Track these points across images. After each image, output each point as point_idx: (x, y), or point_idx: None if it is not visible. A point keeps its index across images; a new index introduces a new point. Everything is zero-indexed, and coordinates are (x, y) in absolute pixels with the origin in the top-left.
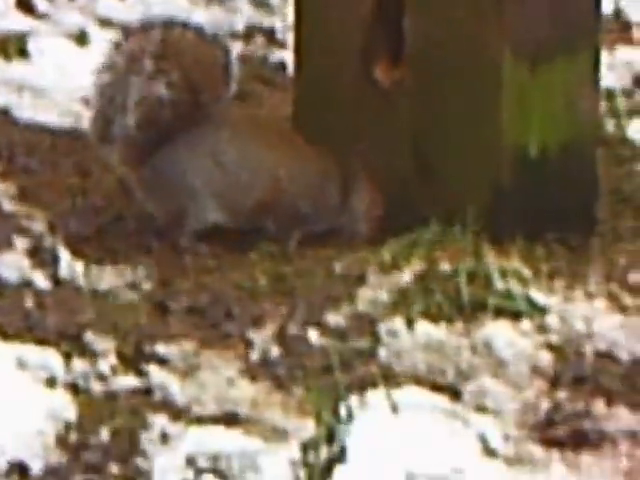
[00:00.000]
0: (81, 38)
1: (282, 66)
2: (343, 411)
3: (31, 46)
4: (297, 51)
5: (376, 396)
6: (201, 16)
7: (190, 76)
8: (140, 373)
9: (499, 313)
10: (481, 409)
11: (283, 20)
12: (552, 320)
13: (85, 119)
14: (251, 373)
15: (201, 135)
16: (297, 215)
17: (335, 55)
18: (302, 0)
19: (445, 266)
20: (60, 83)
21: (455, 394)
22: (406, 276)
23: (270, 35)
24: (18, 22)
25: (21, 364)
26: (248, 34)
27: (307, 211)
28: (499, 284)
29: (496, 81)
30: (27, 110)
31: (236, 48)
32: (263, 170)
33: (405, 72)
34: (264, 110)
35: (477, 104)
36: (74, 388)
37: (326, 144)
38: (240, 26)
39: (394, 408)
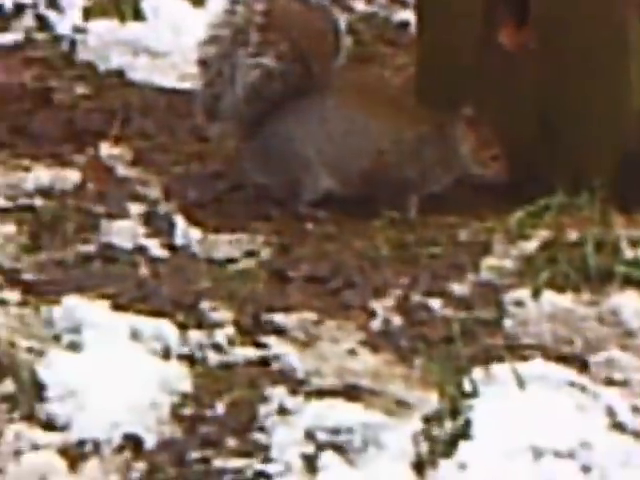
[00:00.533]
0: None
1: (405, 26)
2: (467, 384)
3: (145, 6)
4: (419, 13)
5: (501, 369)
6: None
7: (299, 46)
8: (258, 344)
9: (627, 282)
10: (609, 381)
11: None
12: None
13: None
14: (372, 344)
15: (308, 104)
16: (404, 182)
17: (458, 17)
18: None
19: (572, 234)
20: (176, 44)
21: (582, 366)
22: (532, 244)
23: None
24: None
25: (135, 335)
26: None
27: (413, 177)
28: (627, 252)
29: (623, 45)
30: (142, 71)
31: (358, 7)
32: (366, 139)
33: (530, 36)
34: (387, 72)
35: (604, 68)
36: (190, 359)
37: (448, 108)
38: None
39: (520, 383)
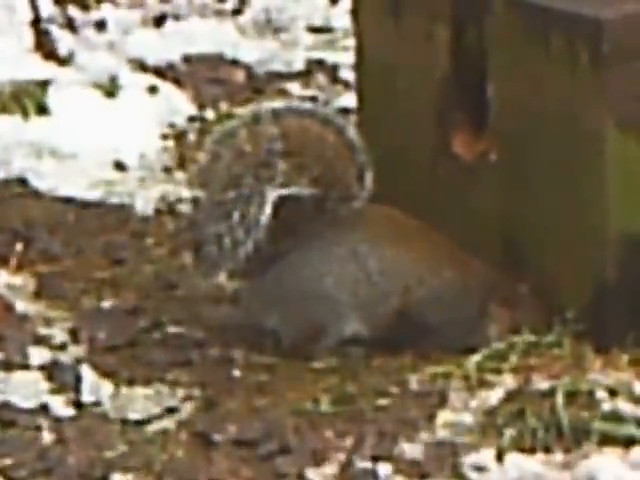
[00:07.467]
0: (111, 87)
1: (348, 112)
2: None
3: (51, 99)
4: (360, 118)
5: None
6: (251, 51)
7: (333, 168)
8: None
9: (606, 440)
10: None
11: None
12: None
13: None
14: None
15: (336, 237)
16: (425, 326)
17: (406, 125)
18: (363, 64)
19: (541, 381)
20: (86, 143)
21: None
22: (495, 394)
23: (333, 72)
24: (36, 69)
25: None
26: (308, 71)
27: (437, 323)
28: (606, 404)
29: (598, 156)
30: (48, 179)
31: (294, 90)
32: (398, 276)
33: (490, 145)
34: None
35: (576, 183)
36: None
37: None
38: (298, 62)
39: None
